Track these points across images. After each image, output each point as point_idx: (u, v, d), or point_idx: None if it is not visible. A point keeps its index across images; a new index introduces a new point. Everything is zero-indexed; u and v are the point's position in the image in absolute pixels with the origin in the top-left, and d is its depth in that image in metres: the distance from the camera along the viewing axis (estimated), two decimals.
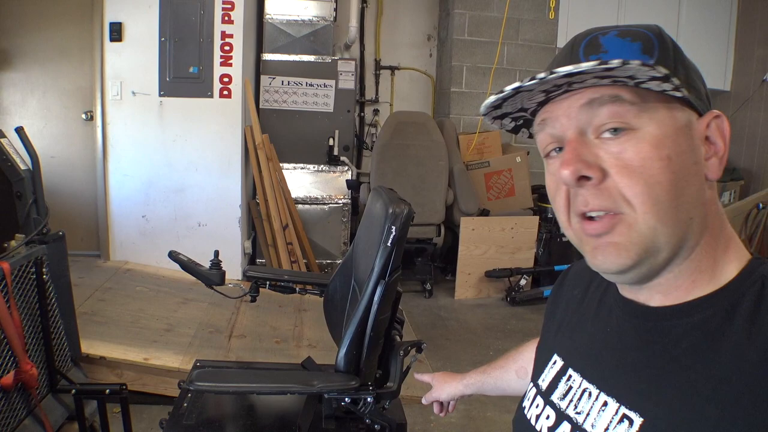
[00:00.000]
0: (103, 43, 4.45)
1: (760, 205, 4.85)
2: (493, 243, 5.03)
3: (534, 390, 0.90)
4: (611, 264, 0.69)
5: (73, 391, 2.22)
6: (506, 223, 5.05)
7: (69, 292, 2.53)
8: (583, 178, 0.68)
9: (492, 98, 0.71)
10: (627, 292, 0.77)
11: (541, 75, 0.64)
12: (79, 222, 4.69)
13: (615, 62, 0.61)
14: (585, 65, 0.62)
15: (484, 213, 5.28)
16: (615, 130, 0.67)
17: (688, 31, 6.25)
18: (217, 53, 4.54)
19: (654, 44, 0.69)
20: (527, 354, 1.17)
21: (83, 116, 4.66)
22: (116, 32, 4.43)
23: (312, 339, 3.59)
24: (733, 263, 0.71)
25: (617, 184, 0.67)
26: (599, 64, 0.62)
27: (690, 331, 0.68)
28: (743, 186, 6.15)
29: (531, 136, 0.81)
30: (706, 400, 0.63)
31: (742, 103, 6.30)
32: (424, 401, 1.46)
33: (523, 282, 4.99)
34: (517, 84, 0.67)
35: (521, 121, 0.79)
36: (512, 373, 1.24)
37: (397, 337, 1.79)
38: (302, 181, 5.21)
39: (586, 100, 0.68)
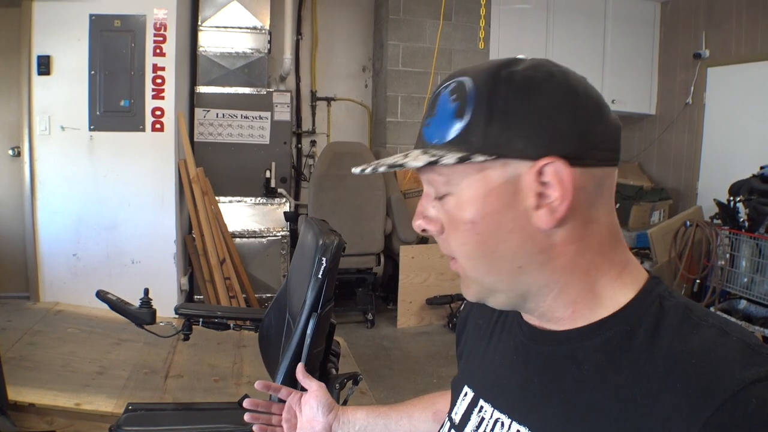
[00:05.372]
0: (30, 76, 4.33)
1: (687, 222, 5.04)
2: (433, 270, 5.06)
3: (448, 424, 0.89)
4: (465, 295, 0.81)
5: None
6: None
7: None
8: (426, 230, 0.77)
9: (360, 169, 0.77)
10: (528, 318, 0.79)
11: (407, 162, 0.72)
12: (7, 262, 4.51)
13: (416, 164, 0.70)
14: (383, 166, 0.73)
15: (423, 241, 5.31)
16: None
17: (614, 58, 6.52)
18: (149, 86, 4.47)
19: (467, 104, 0.69)
20: (447, 397, 1.05)
21: (10, 152, 4.52)
22: (44, 65, 4.32)
23: (252, 376, 3.52)
24: (628, 287, 0.72)
25: (448, 238, 0.76)
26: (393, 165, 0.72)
27: (592, 353, 0.70)
28: (672, 205, 6.38)
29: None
30: (611, 419, 0.65)
31: (667, 126, 6.56)
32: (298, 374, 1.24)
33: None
34: (384, 167, 0.74)
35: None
36: (429, 414, 1.13)
37: (333, 370, 1.78)
38: (239, 214, 5.14)
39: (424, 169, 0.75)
